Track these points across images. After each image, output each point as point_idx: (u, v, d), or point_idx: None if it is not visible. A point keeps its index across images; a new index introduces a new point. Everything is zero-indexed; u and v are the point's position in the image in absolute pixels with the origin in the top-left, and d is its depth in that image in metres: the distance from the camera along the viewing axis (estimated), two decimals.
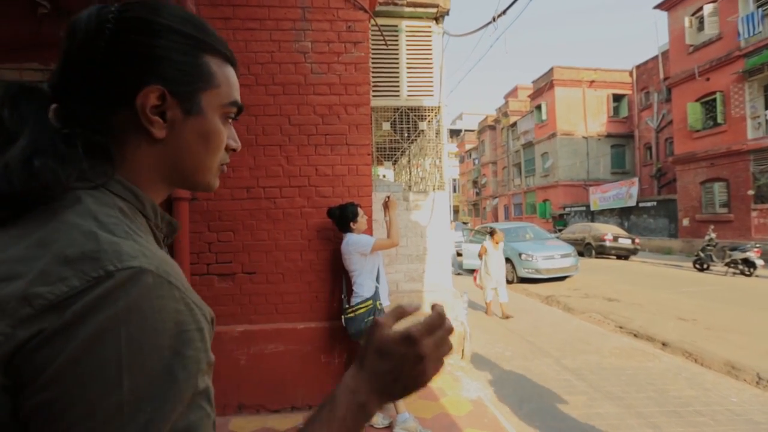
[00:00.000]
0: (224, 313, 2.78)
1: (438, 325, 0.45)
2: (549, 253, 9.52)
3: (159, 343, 0.34)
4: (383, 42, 3.89)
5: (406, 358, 0.44)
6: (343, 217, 2.62)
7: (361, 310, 2.53)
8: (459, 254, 12.40)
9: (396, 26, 4.28)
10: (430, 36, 4.37)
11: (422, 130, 4.45)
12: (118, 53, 0.42)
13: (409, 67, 4.35)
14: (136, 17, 0.43)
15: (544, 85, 23.39)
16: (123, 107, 0.43)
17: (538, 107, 24.41)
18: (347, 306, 2.60)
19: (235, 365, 2.74)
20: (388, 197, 2.81)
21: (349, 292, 2.67)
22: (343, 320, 2.60)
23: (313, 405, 2.82)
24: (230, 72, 0.51)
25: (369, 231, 2.86)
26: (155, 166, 0.47)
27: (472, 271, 11.14)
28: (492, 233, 6.18)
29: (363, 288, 2.59)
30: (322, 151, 2.87)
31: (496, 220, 29.79)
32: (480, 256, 6.15)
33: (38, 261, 0.33)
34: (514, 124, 28.36)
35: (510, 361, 4.24)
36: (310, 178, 2.86)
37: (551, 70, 22.98)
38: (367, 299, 2.56)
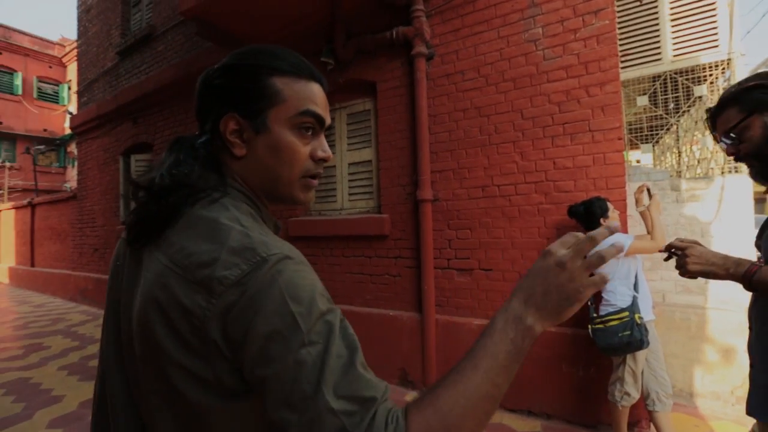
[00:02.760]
0: (463, 305, 2.99)
1: (574, 241, 0.48)
2: None
3: (307, 298, 0.45)
4: None
5: (548, 268, 0.47)
6: (590, 215, 2.31)
7: (613, 323, 2.16)
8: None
9: None
10: None
11: (699, 97, 3.39)
12: (207, 96, 0.57)
13: (674, 19, 3.41)
14: (214, 68, 0.57)
15: None
16: (216, 135, 0.57)
17: None
18: (595, 315, 2.28)
19: None
20: (644, 187, 2.29)
21: (598, 299, 2.33)
22: (590, 330, 2.30)
23: (550, 414, 2.63)
24: (302, 85, 0.57)
25: (623, 229, 2.41)
26: (246, 179, 0.58)
27: None
28: None
29: (615, 296, 2.21)
30: (560, 142, 2.64)
31: None
32: None
33: (218, 253, 0.46)
34: None
35: None
36: (547, 173, 2.68)
37: None
38: (622, 310, 2.16)
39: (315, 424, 0.40)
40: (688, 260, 1.04)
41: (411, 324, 3.17)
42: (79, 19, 7.46)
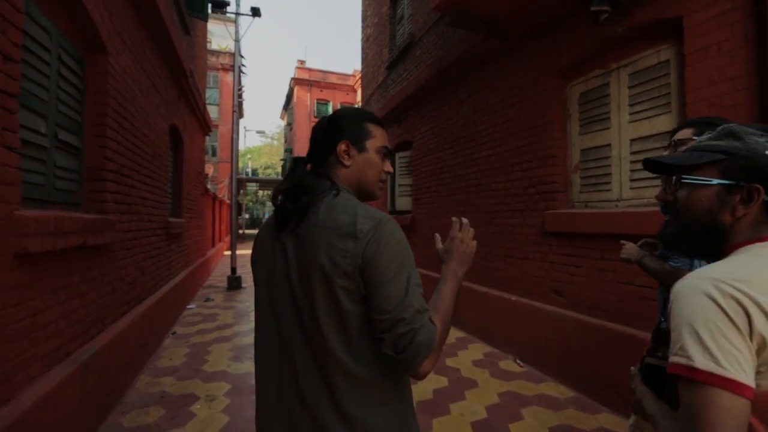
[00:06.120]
0: None
1: (458, 228, 1.02)
2: None
3: (404, 245, 0.85)
4: None
5: (457, 245, 1.00)
6: None
7: None
8: None
9: None
10: None
11: None
12: (329, 131, 0.98)
13: None
14: (335, 116, 1.01)
15: None
16: (331, 153, 0.97)
17: None
18: None
19: None
20: None
21: None
22: None
23: None
24: (381, 130, 1.02)
25: None
26: (349, 181, 0.97)
27: None
28: None
29: None
30: None
31: None
32: None
33: (355, 218, 0.84)
34: None
35: None
36: None
37: None
38: None
39: (404, 310, 0.79)
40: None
41: None
42: (362, 49, 9.28)
